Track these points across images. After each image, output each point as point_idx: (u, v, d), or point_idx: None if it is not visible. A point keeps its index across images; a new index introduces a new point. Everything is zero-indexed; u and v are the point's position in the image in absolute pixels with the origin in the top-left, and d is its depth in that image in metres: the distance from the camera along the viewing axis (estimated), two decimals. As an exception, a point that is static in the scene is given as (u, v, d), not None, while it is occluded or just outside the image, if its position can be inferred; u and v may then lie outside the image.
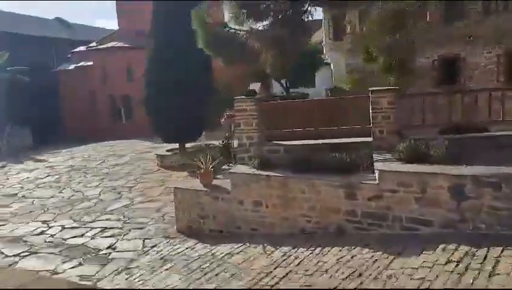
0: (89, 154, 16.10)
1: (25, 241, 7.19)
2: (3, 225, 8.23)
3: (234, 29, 6.19)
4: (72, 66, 26.67)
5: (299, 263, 4.85)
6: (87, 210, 8.88)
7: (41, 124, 22.65)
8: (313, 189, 5.68)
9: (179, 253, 6.11)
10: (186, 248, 6.29)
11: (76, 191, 10.54)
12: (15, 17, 31.56)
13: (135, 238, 7.03)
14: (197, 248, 6.22)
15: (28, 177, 12.48)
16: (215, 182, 7.12)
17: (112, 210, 8.78)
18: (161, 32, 12.54)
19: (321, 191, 5.62)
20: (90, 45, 28.48)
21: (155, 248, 6.50)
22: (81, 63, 26.42)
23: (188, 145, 13.40)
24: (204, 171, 7.02)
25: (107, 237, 7.21)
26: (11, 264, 6.09)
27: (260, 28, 6.01)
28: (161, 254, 6.16)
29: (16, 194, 10.65)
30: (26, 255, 6.53)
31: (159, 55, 12.55)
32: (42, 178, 12.29)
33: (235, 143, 11.87)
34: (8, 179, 12.44)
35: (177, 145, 13.48)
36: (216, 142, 14.64)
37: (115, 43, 25.02)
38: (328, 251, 5.02)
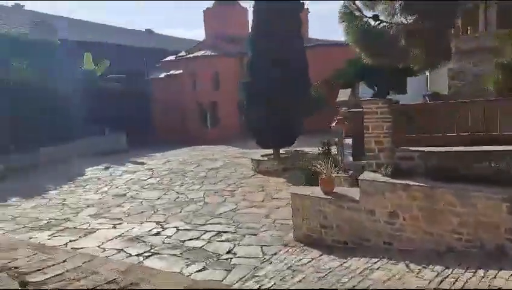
0: (183, 158, 16.47)
1: (144, 241, 7.26)
2: (120, 223, 8.45)
3: (386, 22, 5.74)
4: (162, 75, 27.84)
5: (463, 286, 4.22)
6: (196, 213, 8.87)
7: (135, 129, 23.82)
8: (466, 201, 5.01)
9: (305, 264, 5.73)
10: (312, 259, 5.89)
11: (180, 194, 10.67)
12: (109, 29, 33.89)
13: (252, 245, 6.78)
14: (324, 260, 5.80)
15: (131, 179, 12.94)
16: (336, 189, 6.68)
17: (220, 214, 8.69)
18: (260, 37, 12.44)
19: (477, 205, 4.93)
20: (179, 54, 29.71)
21: (276, 257, 6.19)
22: (171, 72, 27.52)
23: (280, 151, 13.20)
24: (326, 177, 6.61)
25: (223, 241, 7.06)
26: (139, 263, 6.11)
27: (410, 21, 5.50)
28: (286, 264, 5.82)
29: (125, 194, 11.02)
30: (148, 256, 6.55)
31: (257, 60, 12.45)
32: (145, 180, 12.67)
33: (334, 149, 11.55)
34: (114, 180, 12.96)
35: (268, 151, 13.32)
36: (307, 149, 14.36)
37: (203, 52, 25.76)
38: (496, 274, 4.33)
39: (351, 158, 8.77)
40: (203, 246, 6.87)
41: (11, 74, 16.84)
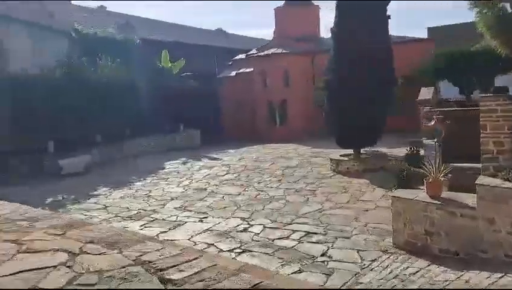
0: (256, 155, 16.39)
1: (232, 237, 7.16)
2: (205, 217, 8.45)
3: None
4: (233, 73, 28.09)
5: None
6: (279, 211, 8.65)
7: (205, 127, 24.24)
8: None
9: (413, 273, 5.26)
10: (420, 269, 5.40)
11: (260, 191, 10.53)
12: (182, 28, 34.80)
13: (347, 249, 6.40)
14: (435, 271, 5.28)
15: (209, 174, 13.04)
16: (444, 194, 6.11)
17: (305, 214, 8.39)
18: (344, 32, 11.98)
19: None
20: (250, 52, 29.84)
21: (377, 263, 5.76)
22: (242, 70, 27.70)
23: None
24: (434, 180, 6.06)
25: (314, 242, 6.75)
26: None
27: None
28: (391, 272, 5.39)
29: (205, 188, 11.10)
30: (240, 252, 6.42)
31: (341, 57, 12.00)
32: (222, 175, 12.70)
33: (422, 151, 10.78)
34: (193, 174, 13.14)
35: (345, 151, 12.81)
36: (384, 149, 13.65)
37: (273, 50, 25.60)
38: None
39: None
40: (294, 246, 6.61)
41: (99, 71, 17.76)
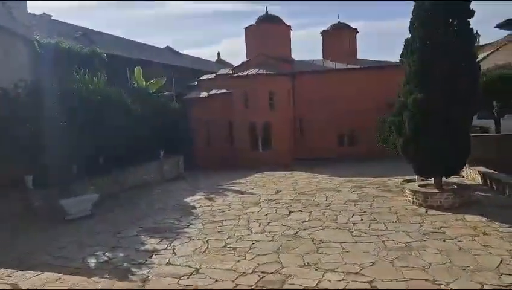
0: (278, 187, 14.26)
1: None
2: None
3: None
4: (204, 94, 25.66)
5: None
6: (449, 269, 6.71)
7: (180, 151, 21.37)
8: None
9: None
10: None
11: (374, 236, 8.47)
12: (133, 44, 31.30)
13: None
14: None
15: (266, 213, 10.64)
16: None
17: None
18: (420, 41, 10.65)
19: None
20: (219, 72, 27.75)
21: None
22: (214, 91, 25.43)
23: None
24: None
25: None
26: None
27: None
28: None
29: (297, 234, 8.72)
30: None
31: (423, 74, 10.58)
32: (287, 215, 10.40)
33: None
34: (245, 214, 10.63)
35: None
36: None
37: (256, 70, 23.86)
38: None
39: None
40: None
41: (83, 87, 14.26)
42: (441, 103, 10.10)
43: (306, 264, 7.03)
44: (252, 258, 7.41)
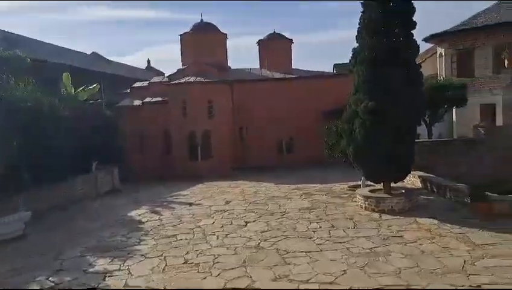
0: (228, 197, 13.88)
1: None
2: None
3: None
4: (137, 102, 24.49)
5: None
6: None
7: (114, 162, 20.11)
8: None
9: None
10: None
11: (338, 243, 8.39)
12: (57, 49, 29.11)
13: None
14: None
15: (222, 225, 10.18)
16: None
17: None
18: (368, 50, 10.94)
19: None
20: (153, 80, 26.69)
21: None
22: (148, 99, 24.38)
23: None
24: None
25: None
26: None
27: None
28: None
29: (259, 245, 8.37)
30: None
31: (365, 79, 10.86)
32: (244, 225, 10.02)
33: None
34: (198, 227, 10.07)
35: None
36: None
37: (193, 78, 23.27)
38: None
39: None
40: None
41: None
42: (390, 111, 10.40)
43: (277, 277, 6.71)
44: (219, 274, 6.93)
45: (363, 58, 11.00)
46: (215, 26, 26.93)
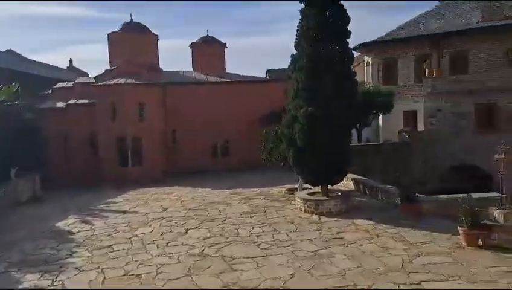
0: (166, 204, 13.44)
1: None
2: None
3: None
4: (61, 104, 22.91)
5: None
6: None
7: (31, 168, 18.63)
8: None
9: None
10: None
11: (283, 246, 8.41)
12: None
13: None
14: None
15: (162, 233, 9.78)
16: None
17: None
18: (307, 57, 11.22)
19: None
20: (77, 81, 25.15)
21: None
22: (72, 101, 22.92)
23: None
24: None
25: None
26: None
27: None
28: None
29: (203, 253, 8.14)
30: None
31: (304, 85, 11.13)
32: (185, 233, 9.71)
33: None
34: (136, 236, 9.59)
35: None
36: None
37: (124, 79, 22.30)
38: None
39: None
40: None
41: None
42: (328, 117, 10.71)
43: (226, 284, 6.55)
44: (164, 285, 6.63)
45: (301, 65, 11.24)
46: (145, 26, 26.07)
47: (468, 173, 15.21)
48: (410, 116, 19.29)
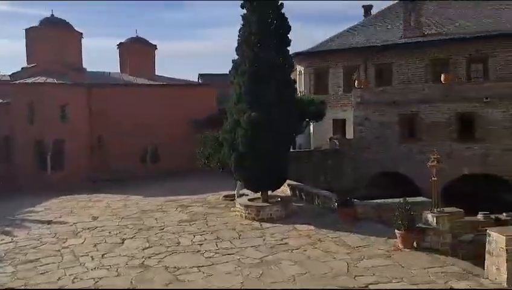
0: (96, 212, 12.60)
1: None
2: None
3: None
4: (-30, 102, 20.64)
5: None
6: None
7: None
8: None
9: None
10: None
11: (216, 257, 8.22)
12: None
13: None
14: None
15: (95, 244, 9.09)
16: None
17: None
18: (249, 62, 11.21)
19: None
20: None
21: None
22: (-14, 100, 20.77)
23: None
24: None
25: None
26: None
27: None
28: None
29: (144, 264, 7.68)
30: None
31: (247, 90, 11.10)
32: (120, 243, 9.13)
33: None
34: (65, 247, 8.81)
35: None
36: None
37: (44, 78, 20.67)
38: None
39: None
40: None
41: None
42: (271, 122, 10.75)
43: (176, 296, 6.21)
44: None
45: (244, 70, 11.19)
46: (68, 23, 24.33)
47: (394, 179, 16.18)
48: (339, 125, 20.13)
